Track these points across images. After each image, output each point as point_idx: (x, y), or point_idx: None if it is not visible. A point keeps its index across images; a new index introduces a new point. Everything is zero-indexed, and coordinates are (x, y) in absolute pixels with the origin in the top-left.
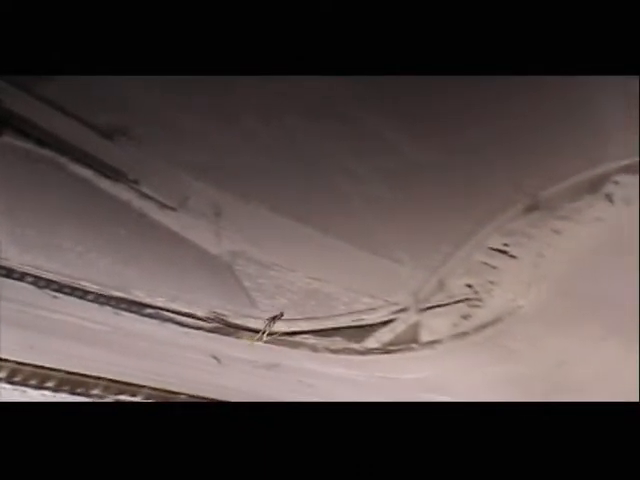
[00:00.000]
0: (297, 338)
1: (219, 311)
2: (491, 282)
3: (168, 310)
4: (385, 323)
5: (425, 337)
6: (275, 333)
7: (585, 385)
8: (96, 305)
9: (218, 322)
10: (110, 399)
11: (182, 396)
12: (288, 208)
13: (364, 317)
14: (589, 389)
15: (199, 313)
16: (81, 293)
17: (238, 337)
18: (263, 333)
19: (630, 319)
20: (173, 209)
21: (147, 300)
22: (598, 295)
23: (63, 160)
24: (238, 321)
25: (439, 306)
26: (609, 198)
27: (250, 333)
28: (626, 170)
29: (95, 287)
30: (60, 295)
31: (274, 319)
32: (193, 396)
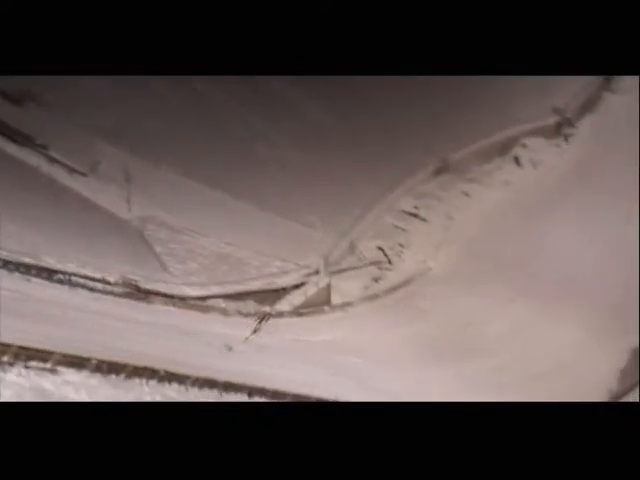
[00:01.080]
0: (208, 302)
1: (130, 276)
2: (401, 245)
3: (79, 276)
4: (296, 286)
5: (336, 300)
6: (186, 298)
7: (494, 345)
8: (5, 271)
9: (129, 287)
10: (20, 366)
11: (92, 361)
12: (199, 173)
13: (276, 281)
14: (498, 349)
15: (110, 278)
16: None
17: (149, 302)
18: (255, 332)
19: (538, 281)
20: (83, 174)
21: (57, 266)
22: (506, 257)
23: None
24: (149, 286)
25: (350, 269)
26: (517, 161)
27: (161, 297)
28: (533, 133)
29: (4, 253)
30: None
31: (263, 319)
32: (103, 361)
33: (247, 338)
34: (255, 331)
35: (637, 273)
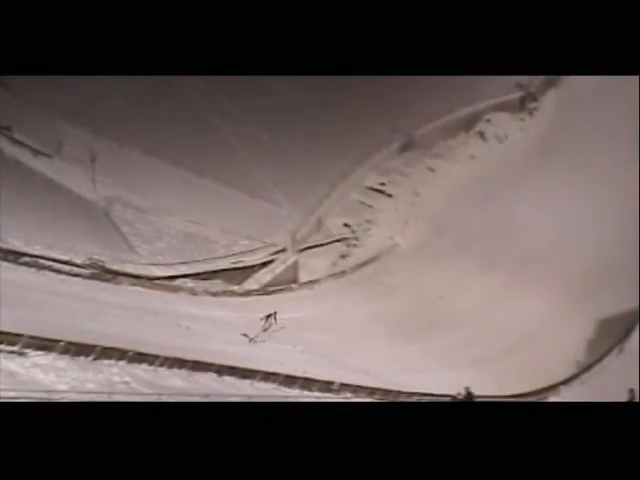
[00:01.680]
0: (176, 282)
1: (97, 257)
2: (368, 221)
3: (45, 258)
4: (264, 264)
5: (304, 277)
6: (154, 278)
7: (463, 319)
8: None
9: (96, 268)
10: None
11: (61, 343)
12: (163, 151)
13: (243, 259)
14: (466, 323)
15: (77, 260)
16: None
17: (117, 283)
18: (264, 330)
19: (503, 254)
20: (48, 156)
21: (24, 249)
22: (472, 231)
23: None
24: (116, 267)
25: (317, 246)
26: (482, 136)
27: (129, 278)
28: (498, 108)
29: None
30: None
31: (269, 317)
32: (71, 343)
33: (253, 339)
34: (265, 330)
35: (598, 245)
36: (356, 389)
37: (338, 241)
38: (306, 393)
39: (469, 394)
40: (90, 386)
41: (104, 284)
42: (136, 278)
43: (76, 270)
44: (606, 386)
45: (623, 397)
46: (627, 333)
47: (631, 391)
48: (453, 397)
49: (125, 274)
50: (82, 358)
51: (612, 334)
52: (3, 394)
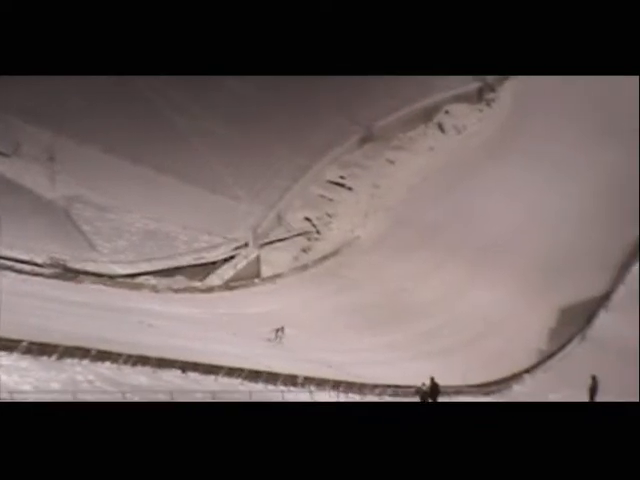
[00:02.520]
0: (138, 280)
1: (58, 257)
2: (329, 214)
3: (6, 258)
4: (226, 260)
5: (266, 272)
6: (116, 276)
7: (426, 310)
8: None
9: (58, 268)
10: None
11: (23, 343)
12: (122, 149)
13: (205, 255)
14: (429, 314)
15: (38, 260)
16: None
17: (79, 282)
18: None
19: (464, 244)
20: (6, 155)
21: None
22: (433, 223)
23: None
24: (78, 266)
25: (278, 240)
26: (441, 127)
27: (91, 277)
28: (456, 100)
29: None
30: None
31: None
32: (34, 343)
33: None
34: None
35: (560, 234)
36: (320, 382)
37: (299, 235)
38: (270, 387)
39: (434, 385)
40: (54, 386)
41: (66, 283)
42: (98, 276)
43: (37, 270)
44: (569, 374)
45: (586, 384)
46: (589, 321)
47: (593, 378)
48: (418, 388)
49: (86, 273)
50: (45, 358)
51: (574, 322)
52: None
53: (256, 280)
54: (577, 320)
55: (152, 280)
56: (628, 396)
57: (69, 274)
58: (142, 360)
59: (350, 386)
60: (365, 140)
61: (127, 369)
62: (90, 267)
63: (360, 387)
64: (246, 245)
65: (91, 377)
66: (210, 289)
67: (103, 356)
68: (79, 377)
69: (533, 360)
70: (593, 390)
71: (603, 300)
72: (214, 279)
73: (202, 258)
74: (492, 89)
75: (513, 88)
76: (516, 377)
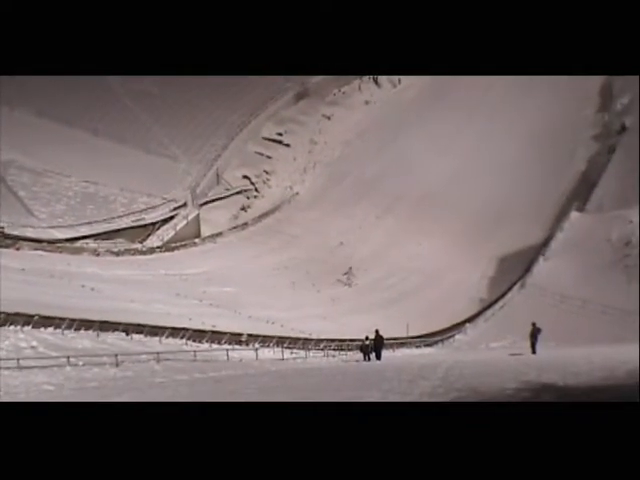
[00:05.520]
0: (78, 244)
1: None
2: (267, 172)
3: None
4: (165, 221)
5: (206, 231)
6: (55, 241)
7: (365, 263)
8: None
9: None
10: None
11: None
12: (55, 112)
13: (144, 217)
14: (370, 268)
15: None
16: None
17: (18, 248)
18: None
19: (403, 196)
20: None
21: None
22: (370, 176)
23: None
24: (16, 232)
25: (217, 199)
26: (375, 81)
27: (30, 242)
28: None
29: None
30: None
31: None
32: None
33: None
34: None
35: (495, 184)
36: (264, 339)
37: (238, 193)
38: (215, 346)
39: (379, 337)
40: None
41: (5, 250)
42: (37, 242)
43: None
44: (510, 321)
45: (526, 331)
46: (528, 268)
47: (534, 324)
48: (362, 341)
49: (25, 239)
50: None
51: (513, 270)
52: None
53: (196, 240)
54: (516, 268)
55: (92, 243)
56: (566, 343)
57: (7, 241)
58: (85, 324)
59: (294, 342)
60: (300, 96)
61: (71, 334)
62: (29, 233)
63: (304, 342)
64: (185, 205)
65: (34, 343)
66: (151, 250)
67: (46, 322)
68: (22, 344)
69: (474, 309)
70: (534, 336)
71: (541, 247)
72: (154, 240)
73: (141, 220)
74: None
75: None
76: (458, 327)
